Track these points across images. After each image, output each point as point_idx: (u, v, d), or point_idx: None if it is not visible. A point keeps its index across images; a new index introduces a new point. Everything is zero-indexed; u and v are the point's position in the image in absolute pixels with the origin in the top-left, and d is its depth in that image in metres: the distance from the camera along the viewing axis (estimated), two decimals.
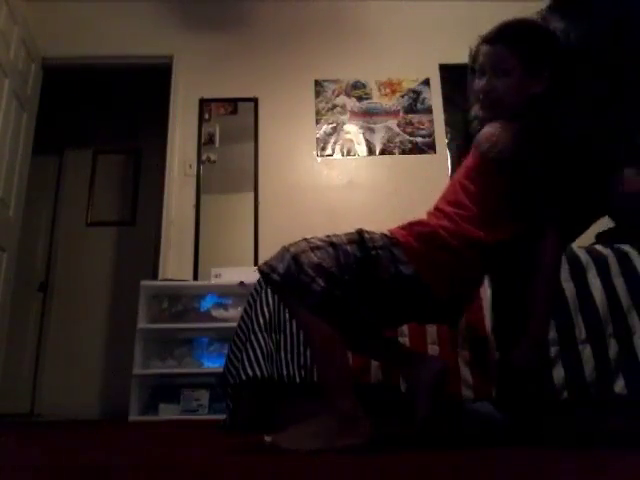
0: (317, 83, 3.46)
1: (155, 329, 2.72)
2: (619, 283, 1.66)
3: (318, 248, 1.08)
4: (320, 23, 3.58)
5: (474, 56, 1.22)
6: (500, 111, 1.20)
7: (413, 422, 1.12)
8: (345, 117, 3.41)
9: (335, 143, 3.36)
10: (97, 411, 3.45)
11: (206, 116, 3.38)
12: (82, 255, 3.86)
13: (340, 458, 0.91)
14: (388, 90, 3.46)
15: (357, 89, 3.46)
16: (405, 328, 1.51)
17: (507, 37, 1.18)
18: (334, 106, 3.42)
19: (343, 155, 3.35)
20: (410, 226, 1.16)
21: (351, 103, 3.43)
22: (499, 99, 1.19)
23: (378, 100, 3.44)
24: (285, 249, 1.09)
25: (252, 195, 3.21)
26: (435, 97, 3.45)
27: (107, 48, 3.43)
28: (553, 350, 1.56)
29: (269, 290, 1.70)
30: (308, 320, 1.07)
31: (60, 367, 3.57)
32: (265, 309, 1.70)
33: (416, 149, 3.34)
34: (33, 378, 3.57)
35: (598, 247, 1.82)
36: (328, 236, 1.13)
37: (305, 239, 1.12)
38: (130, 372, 2.58)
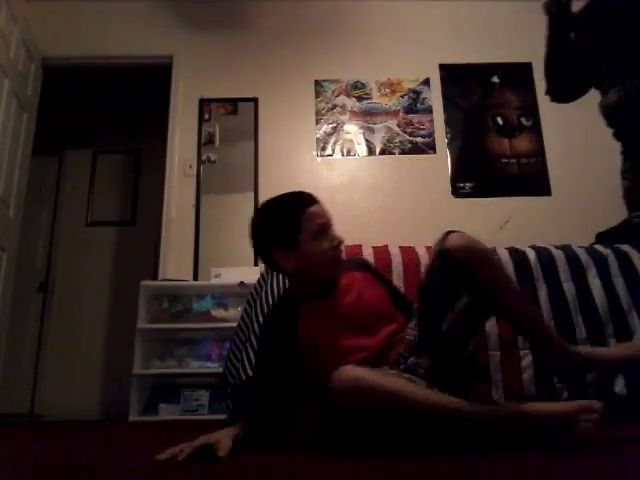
0: (317, 83, 3.46)
1: (155, 329, 2.72)
2: (619, 283, 1.67)
3: None
4: (320, 23, 3.58)
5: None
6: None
7: None
8: (345, 117, 3.41)
9: (335, 143, 3.36)
10: (97, 411, 3.45)
11: (206, 116, 3.38)
12: (82, 255, 3.86)
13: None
14: (388, 90, 3.46)
15: (357, 89, 3.46)
16: None
17: None
18: (334, 106, 3.42)
19: (343, 155, 3.35)
20: None
21: (351, 103, 3.43)
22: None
23: (378, 100, 3.44)
24: None
25: (252, 195, 3.20)
26: (435, 97, 3.44)
27: (107, 48, 3.43)
28: None
29: (269, 290, 1.70)
30: None
31: (60, 367, 3.57)
32: (265, 309, 1.69)
33: (416, 149, 3.34)
34: (33, 378, 3.57)
35: (598, 247, 1.82)
36: None
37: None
38: (130, 372, 2.58)
